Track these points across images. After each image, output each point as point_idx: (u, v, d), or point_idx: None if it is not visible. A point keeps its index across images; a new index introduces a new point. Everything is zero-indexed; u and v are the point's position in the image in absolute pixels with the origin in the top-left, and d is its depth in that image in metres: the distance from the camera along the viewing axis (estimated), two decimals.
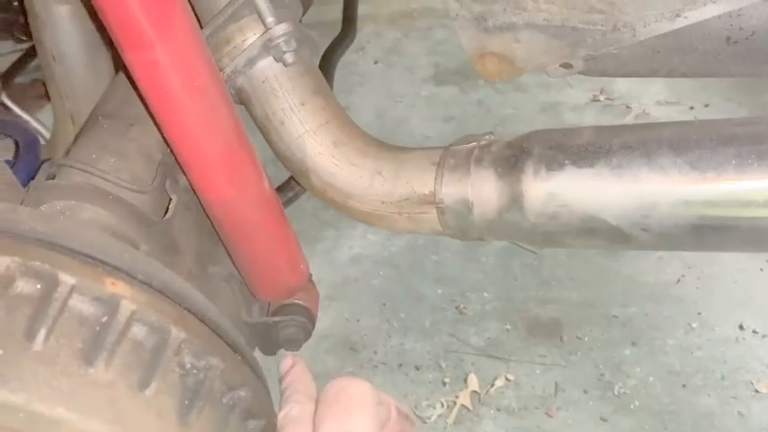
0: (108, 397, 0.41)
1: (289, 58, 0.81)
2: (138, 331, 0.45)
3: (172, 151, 0.70)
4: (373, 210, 0.82)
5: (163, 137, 0.70)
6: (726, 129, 0.65)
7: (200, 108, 0.66)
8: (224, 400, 0.48)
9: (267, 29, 0.80)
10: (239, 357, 0.51)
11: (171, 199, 0.79)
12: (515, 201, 0.72)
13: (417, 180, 0.78)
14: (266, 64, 0.82)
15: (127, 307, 0.45)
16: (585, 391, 1.67)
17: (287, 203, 1.09)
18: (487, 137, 0.80)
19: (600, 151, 0.68)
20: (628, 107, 2.63)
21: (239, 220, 0.75)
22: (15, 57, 1.58)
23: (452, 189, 0.76)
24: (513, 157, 0.73)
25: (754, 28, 0.73)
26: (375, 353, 1.81)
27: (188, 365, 0.47)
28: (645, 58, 0.79)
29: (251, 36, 0.81)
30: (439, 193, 0.77)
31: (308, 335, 0.85)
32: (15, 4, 1.46)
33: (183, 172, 0.72)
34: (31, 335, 0.41)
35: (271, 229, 0.78)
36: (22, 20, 1.46)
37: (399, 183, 0.79)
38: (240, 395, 0.49)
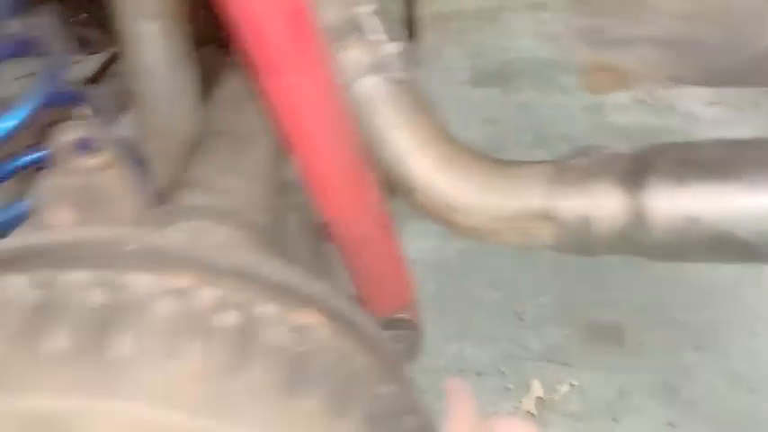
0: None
1: (399, 76, 0.81)
2: (329, 360, 0.46)
3: (301, 172, 0.71)
4: (481, 224, 0.82)
5: (293, 158, 0.71)
6: None
7: (332, 130, 0.67)
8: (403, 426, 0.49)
9: (377, 47, 0.80)
10: (406, 383, 0.52)
11: (287, 218, 0.80)
12: (640, 217, 0.72)
13: (531, 195, 0.78)
14: (372, 81, 0.82)
15: (322, 335, 0.45)
16: (651, 397, 1.66)
17: None
18: (600, 150, 0.80)
19: (730, 166, 0.68)
20: (673, 108, 2.61)
21: (359, 237, 0.76)
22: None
23: (571, 204, 0.76)
24: (635, 172, 0.73)
25: None
26: (435, 359, 1.81)
27: (374, 392, 0.47)
28: (753, 70, 0.79)
29: (358, 54, 0.82)
30: (555, 208, 0.76)
31: (419, 349, 0.86)
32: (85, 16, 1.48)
33: (309, 192, 0.73)
34: (239, 368, 0.42)
35: (387, 245, 0.78)
36: (93, 34, 1.48)
37: (511, 198, 0.79)
38: (414, 420, 0.50)
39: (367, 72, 0.80)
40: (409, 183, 0.84)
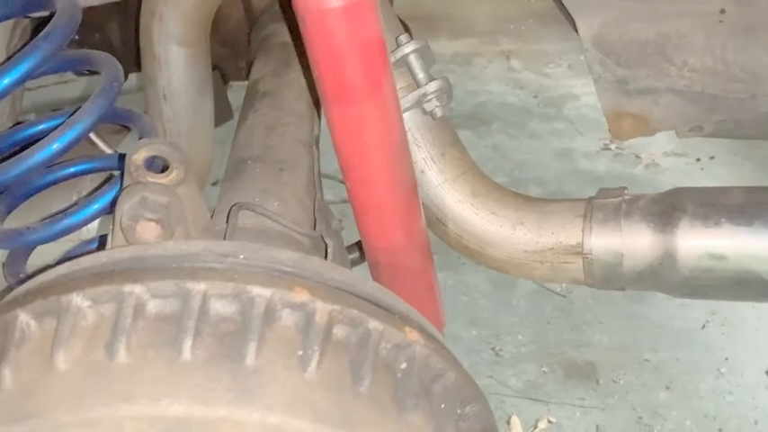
0: None
1: (438, 112, 0.85)
2: (426, 377, 0.48)
3: (352, 199, 0.73)
4: (512, 257, 0.86)
5: (347, 185, 0.73)
6: None
7: (392, 160, 0.69)
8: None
9: (420, 85, 0.84)
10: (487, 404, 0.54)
11: (326, 243, 0.82)
12: (669, 254, 0.76)
13: (563, 231, 0.82)
14: (411, 115, 0.86)
15: (421, 353, 0.47)
16: None
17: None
18: (625, 191, 0.85)
19: (756, 211, 0.73)
20: (637, 157, 2.74)
21: (402, 265, 0.78)
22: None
23: (603, 241, 0.80)
24: (665, 213, 0.78)
25: None
26: None
27: (464, 410, 0.49)
28: (766, 123, 0.86)
29: (403, 88, 0.85)
30: (587, 244, 0.81)
31: None
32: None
33: (358, 218, 0.75)
34: (357, 380, 0.43)
35: (426, 274, 0.81)
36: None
37: (544, 233, 0.83)
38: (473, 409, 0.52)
39: (412, 106, 0.83)
40: (442, 213, 0.87)
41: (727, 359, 1.89)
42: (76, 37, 1.53)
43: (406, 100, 0.84)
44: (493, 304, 2.08)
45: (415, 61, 0.84)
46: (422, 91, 0.83)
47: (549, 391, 1.81)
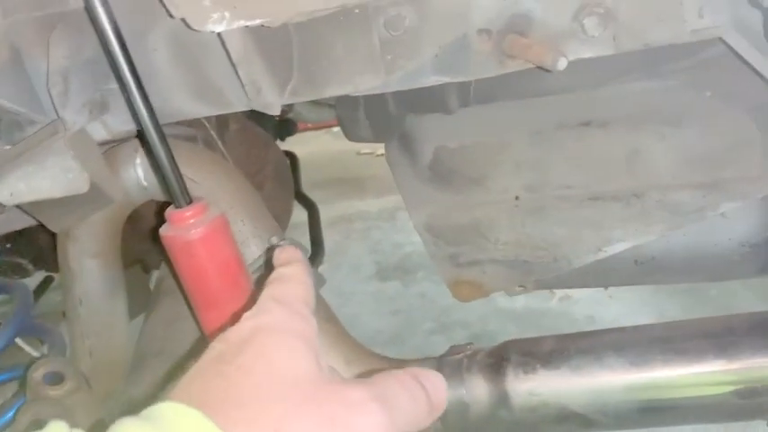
0: None
1: None
2: None
3: None
4: None
5: None
6: (650, 332, 0.89)
7: None
8: None
9: None
10: None
11: None
12: (503, 399, 0.91)
13: None
14: None
15: None
16: None
17: None
18: (470, 346, 1.01)
19: (562, 356, 0.90)
20: (551, 292, 2.94)
21: None
22: None
23: (450, 394, 0.94)
24: (495, 365, 0.93)
25: (653, 253, 1.01)
26: None
27: None
28: (577, 276, 1.05)
29: None
30: None
31: None
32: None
33: None
34: None
35: None
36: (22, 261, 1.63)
37: None
38: None
39: None
40: None
41: None
42: (8, 245, 1.69)
43: None
44: None
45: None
46: None
47: None
